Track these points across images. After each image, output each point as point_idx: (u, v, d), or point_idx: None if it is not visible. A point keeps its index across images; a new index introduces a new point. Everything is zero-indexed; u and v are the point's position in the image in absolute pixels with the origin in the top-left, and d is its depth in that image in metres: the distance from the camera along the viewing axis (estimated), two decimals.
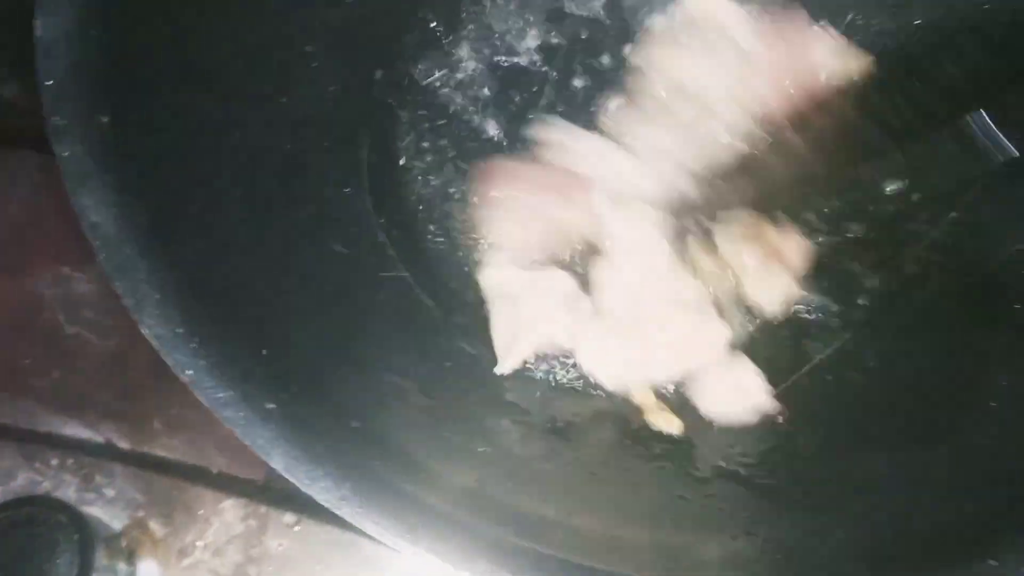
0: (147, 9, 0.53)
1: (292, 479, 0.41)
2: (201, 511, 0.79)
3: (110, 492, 0.80)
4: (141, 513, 0.79)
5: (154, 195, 0.47)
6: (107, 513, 0.79)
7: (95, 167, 0.46)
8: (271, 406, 0.43)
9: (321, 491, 0.41)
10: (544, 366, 0.68)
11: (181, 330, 0.43)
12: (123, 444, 0.82)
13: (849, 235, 0.68)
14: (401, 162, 0.73)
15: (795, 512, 0.56)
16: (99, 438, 0.82)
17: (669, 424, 0.62)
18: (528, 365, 0.67)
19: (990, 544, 0.45)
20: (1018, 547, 0.45)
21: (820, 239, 0.68)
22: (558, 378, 0.67)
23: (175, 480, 0.79)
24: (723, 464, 0.60)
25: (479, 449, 0.57)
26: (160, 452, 0.81)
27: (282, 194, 0.63)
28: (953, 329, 0.66)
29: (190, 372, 0.42)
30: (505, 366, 0.65)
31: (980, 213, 0.68)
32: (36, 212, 0.85)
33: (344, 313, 0.63)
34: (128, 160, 0.47)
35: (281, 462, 0.42)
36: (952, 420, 0.58)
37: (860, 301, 0.69)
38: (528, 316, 0.65)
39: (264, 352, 0.46)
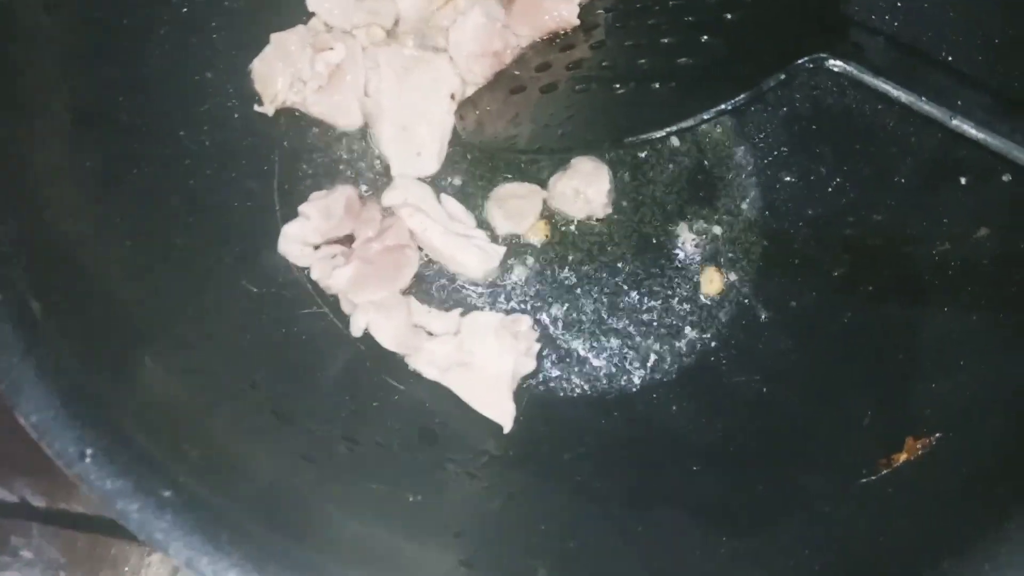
0: (19, 56, 0.49)
1: (196, 573, 0.38)
2: (127, 568, 0.75)
3: (27, 554, 0.75)
4: (62, 574, 0.75)
5: (33, 266, 0.43)
6: None
7: None
8: (167, 493, 0.39)
9: None
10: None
11: (62, 415, 0.39)
12: (38, 502, 0.77)
13: None
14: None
15: None
16: (12, 497, 0.77)
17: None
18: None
19: None
20: None
21: None
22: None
23: (97, 536, 0.75)
24: None
25: (410, 498, 0.54)
26: (79, 507, 0.76)
27: (184, 237, 0.59)
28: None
29: (75, 468, 0.38)
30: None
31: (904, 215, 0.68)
32: None
33: (260, 357, 0.59)
34: (1, 228, 0.43)
35: (183, 556, 0.38)
36: None
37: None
38: None
39: (166, 429, 0.42)
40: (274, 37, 0.70)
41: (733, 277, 0.73)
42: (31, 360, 0.40)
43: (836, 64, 0.57)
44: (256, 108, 0.70)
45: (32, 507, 0.77)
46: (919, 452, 0.57)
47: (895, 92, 0.56)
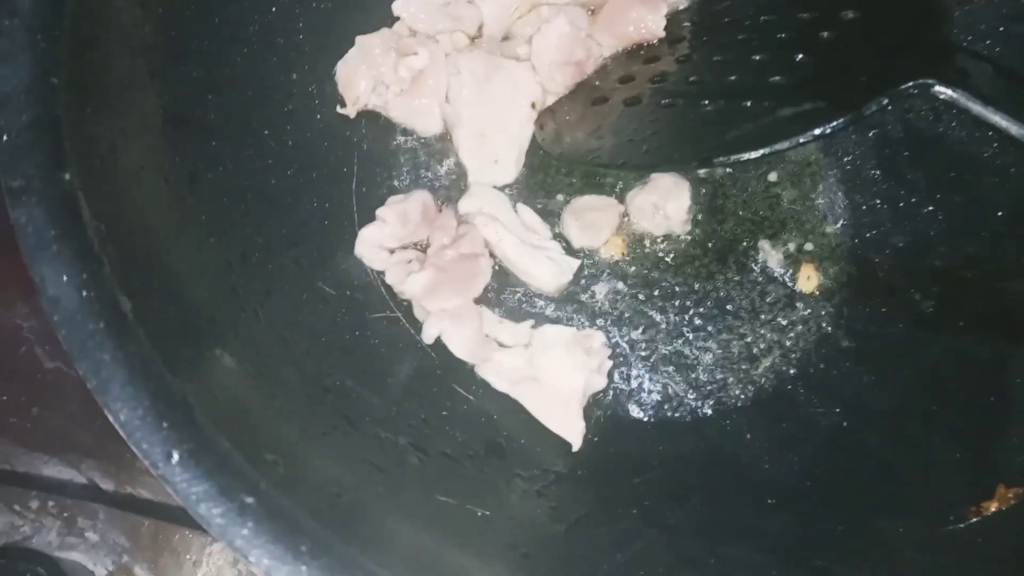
0: (114, 53, 0.49)
1: None
2: (189, 555, 0.76)
3: (93, 536, 0.76)
4: (126, 558, 0.76)
5: (121, 263, 0.43)
6: (90, 559, 0.76)
7: (55, 233, 0.42)
8: (250, 500, 0.39)
9: None
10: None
11: (151, 415, 0.39)
12: (106, 485, 0.78)
13: None
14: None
15: None
16: (81, 479, 0.79)
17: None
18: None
19: None
20: None
21: None
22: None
23: (161, 522, 0.76)
24: None
25: (478, 513, 0.53)
26: (145, 493, 0.78)
27: (262, 236, 0.59)
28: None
29: (160, 470, 0.38)
30: None
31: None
32: (9, 233, 0.81)
33: (333, 360, 0.59)
34: (93, 224, 0.43)
35: (263, 564, 0.38)
36: None
37: None
38: None
39: (244, 433, 0.42)
40: (359, 40, 0.70)
41: (816, 303, 0.70)
42: (121, 359, 0.40)
43: (943, 91, 0.54)
44: (339, 110, 0.70)
45: (100, 490, 0.78)
46: (1011, 501, 0.54)
47: (1004, 123, 0.54)
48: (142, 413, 0.39)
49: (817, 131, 0.57)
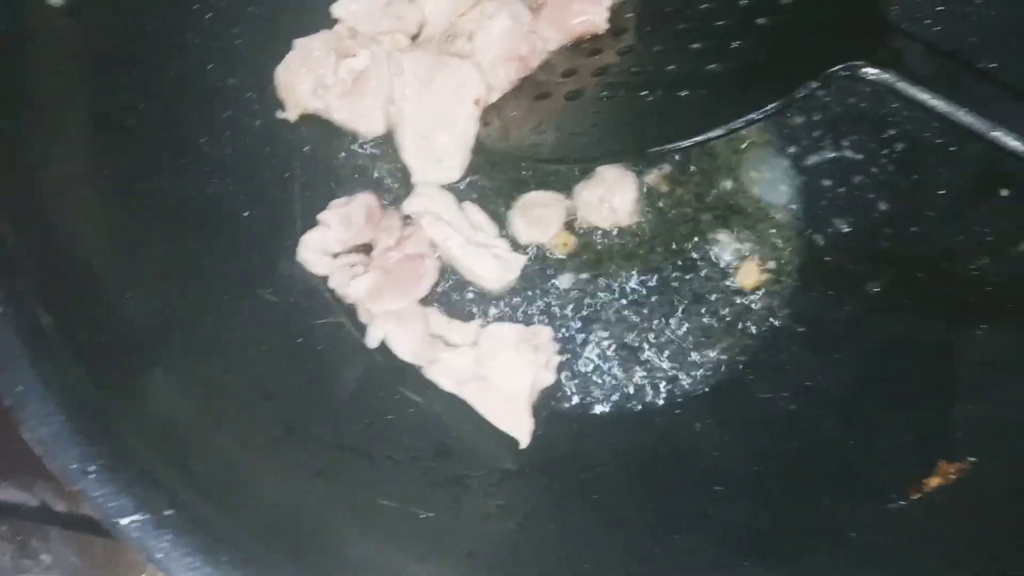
0: (43, 62, 0.49)
1: None
2: (144, 573, 0.75)
3: (47, 558, 0.75)
4: None
5: (43, 277, 0.42)
6: None
7: None
8: (169, 512, 0.38)
9: None
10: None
11: (66, 431, 0.39)
12: (58, 506, 0.77)
13: None
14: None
15: None
16: (33, 501, 0.77)
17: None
18: None
19: None
20: None
21: None
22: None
23: (115, 541, 0.74)
24: None
25: (422, 515, 0.53)
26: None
27: (201, 245, 0.58)
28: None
29: (78, 485, 0.37)
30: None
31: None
32: None
33: (275, 367, 0.58)
34: (12, 238, 0.42)
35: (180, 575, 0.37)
36: None
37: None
38: None
39: (171, 445, 0.41)
40: (297, 43, 0.70)
41: (764, 289, 0.70)
42: (37, 374, 0.39)
43: (872, 72, 0.54)
44: (279, 115, 0.69)
45: (52, 511, 0.77)
46: (952, 477, 0.54)
47: (934, 102, 0.54)
48: (56, 429, 0.39)
49: (749, 117, 0.56)
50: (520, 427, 0.62)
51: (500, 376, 0.64)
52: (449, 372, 0.64)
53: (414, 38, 0.74)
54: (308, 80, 0.70)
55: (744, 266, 0.71)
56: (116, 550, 0.75)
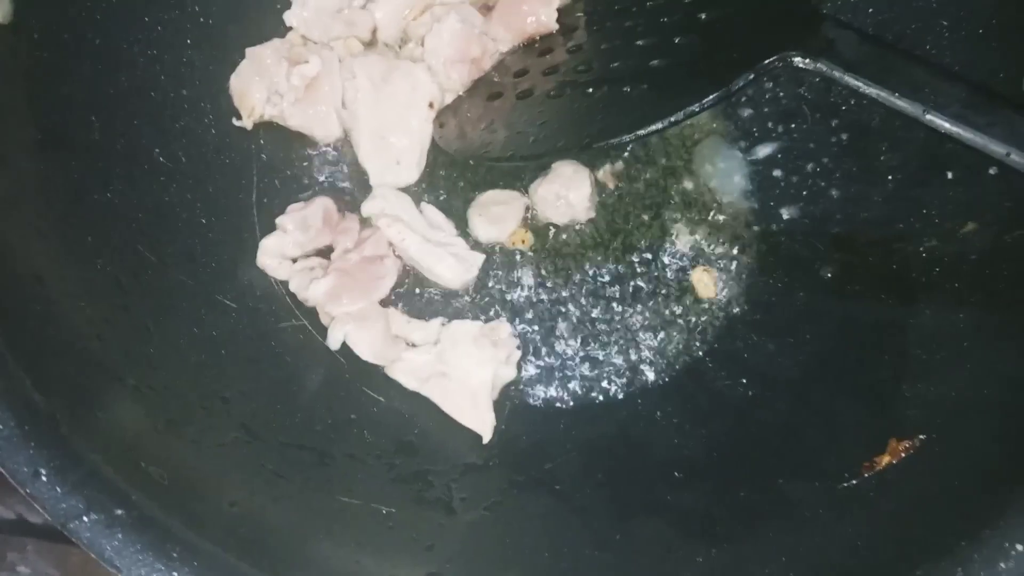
0: None
1: None
2: None
3: (24, 570, 0.75)
4: None
5: None
6: None
7: None
8: (119, 511, 0.39)
9: None
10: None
11: (16, 435, 0.39)
12: (34, 518, 0.78)
13: None
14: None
15: None
16: (9, 514, 0.78)
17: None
18: None
19: None
20: None
21: None
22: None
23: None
24: None
25: (383, 511, 0.54)
26: None
27: (156, 254, 0.59)
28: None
29: (29, 488, 0.38)
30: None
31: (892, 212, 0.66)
32: None
33: (233, 372, 0.59)
34: None
35: (133, 573, 0.38)
36: None
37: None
38: None
39: (121, 448, 0.42)
40: (249, 51, 0.71)
41: (720, 279, 0.71)
42: None
43: (804, 61, 0.56)
44: (235, 122, 0.70)
45: (28, 523, 0.77)
46: (902, 454, 0.55)
47: (868, 89, 0.55)
48: (7, 434, 0.39)
49: (689, 109, 0.58)
50: (482, 422, 0.63)
51: (461, 372, 0.65)
52: (411, 371, 0.65)
53: (367, 44, 0.75)
54: (262, 88, 0.71)
55: (696, 273, 0.72)
56: (92, 561, 0.75)
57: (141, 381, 0.50)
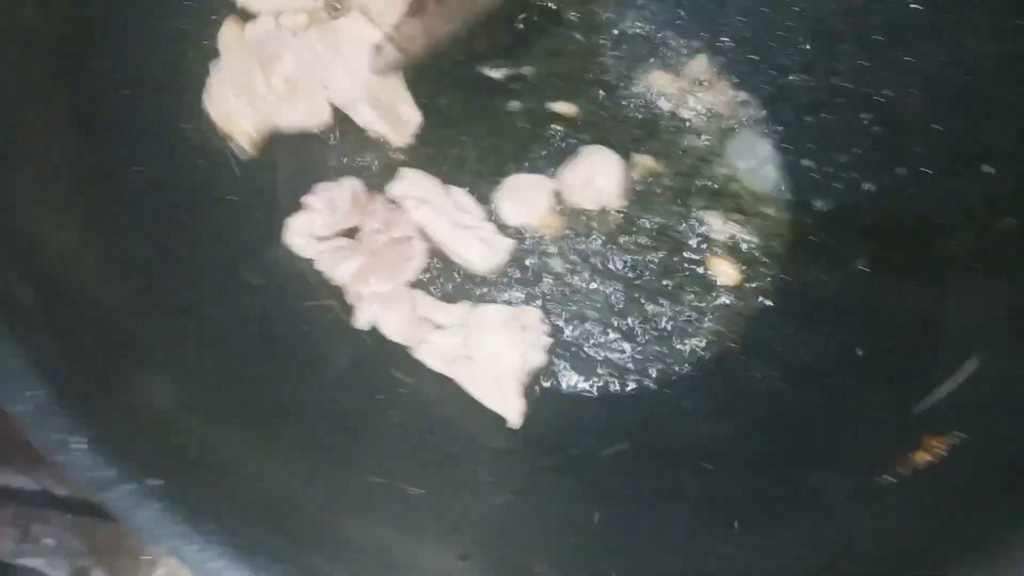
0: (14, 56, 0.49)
1: (183, 562, 0.38)
2: (146, 556, 0.76)
3: (50, 542, 0.76)
4: (83, 562, 0.76)
5: (24, 258, 0.43)
6: (48, 564, 0.76)
7: None
8: (154, 482, 0.39)
9: (215, 573, 0.38)
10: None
11: (47, 406, 0.40)
12: (60, 490, 0.78)
13: None
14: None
15: None
16: (35, 485, 0.79)
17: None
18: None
19: None
20: None
21: None
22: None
23: (116, 525, 0.76)
24: None
25: (411, 492, 0.54)
26: None
27: (184, 232, 0.59)
28: None
29: (59, 454, 0.38)
30: None
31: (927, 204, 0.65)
32: None
33: (260, 350, 0.59)
34: None
35: (168, 544, 0.38)
36: None
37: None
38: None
39: (151, 422, 0.42)
40: (213, 68, 0.68)
41: (751, 270, 0.71)
42: (18, 350, 0.40)
43: None
44: (240, 155, 0.68)
45: (54, 496, 0.78)
46: (939, 450, 0.55)
47: None
48: (36, 403, 0.39)
49: None
50: (509, 407, 0.63)
51: (489, 356, 0.64)
52: (437, 353, 0.65)
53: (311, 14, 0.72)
54: (243, 103, 0.67)
55: (719, 264, 0.71)
56: (117, 534, 0.76)
57: (169, 357, 0.50)
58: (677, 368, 0.68)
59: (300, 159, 0.71)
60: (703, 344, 0.69)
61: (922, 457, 0.55)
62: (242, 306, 0.59)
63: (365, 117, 0.71)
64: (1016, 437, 0.50)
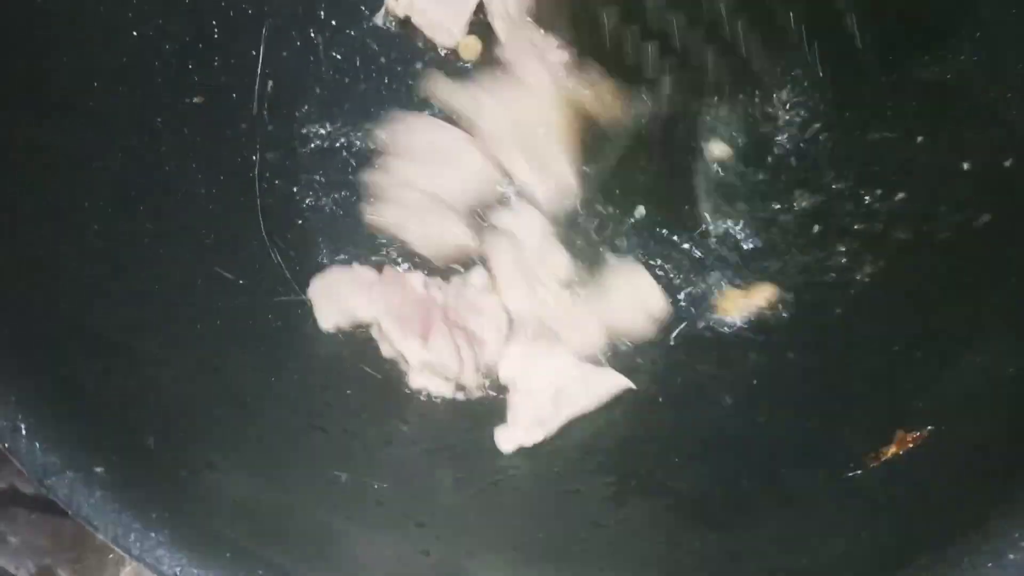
0: None
1: (121, 551, 0.37)
2: (111, 554, 0.74)
3: (14, 540, 0.75)
4: (48, 560, 0.75)
5: None
6: (12, 563, 0.75)
7: None
8: (99, 470, 0.38)
9: (155, 562, 0.37)
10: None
11: None
12: (26, 488, 0.77)
13: None
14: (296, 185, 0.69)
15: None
16: (1, 484, 0.77)
17: None
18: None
19: None
20: None
21: None
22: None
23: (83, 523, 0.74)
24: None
25: (375, 486, 0.53)
26: None
27: (153, 224, 0.58)
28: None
29: (7, 442, 0.37)
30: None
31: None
32: None
33: (227, 342, 0.58)
34: None
35: (110, 533, 0.37)
36: None
37: None
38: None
39: (102, 408, 0.41)
40: None
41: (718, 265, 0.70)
42: None
43: None
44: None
45: (20, 493, 0.77)
46: (909, 446, 0.54)
47: None
48: None
49: None
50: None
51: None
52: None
53: None
54: None
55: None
56: (84, 533, 0.75)
57: (131, 346, 0.49)
58: (648, 364, 0.67)
59: (277, 148, 0.70)
60: (674, 339, 0.68)
61: (893, 451, 0.54)
62: (211, 299, 0.58)
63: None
64: (990, 430, 0.50)
